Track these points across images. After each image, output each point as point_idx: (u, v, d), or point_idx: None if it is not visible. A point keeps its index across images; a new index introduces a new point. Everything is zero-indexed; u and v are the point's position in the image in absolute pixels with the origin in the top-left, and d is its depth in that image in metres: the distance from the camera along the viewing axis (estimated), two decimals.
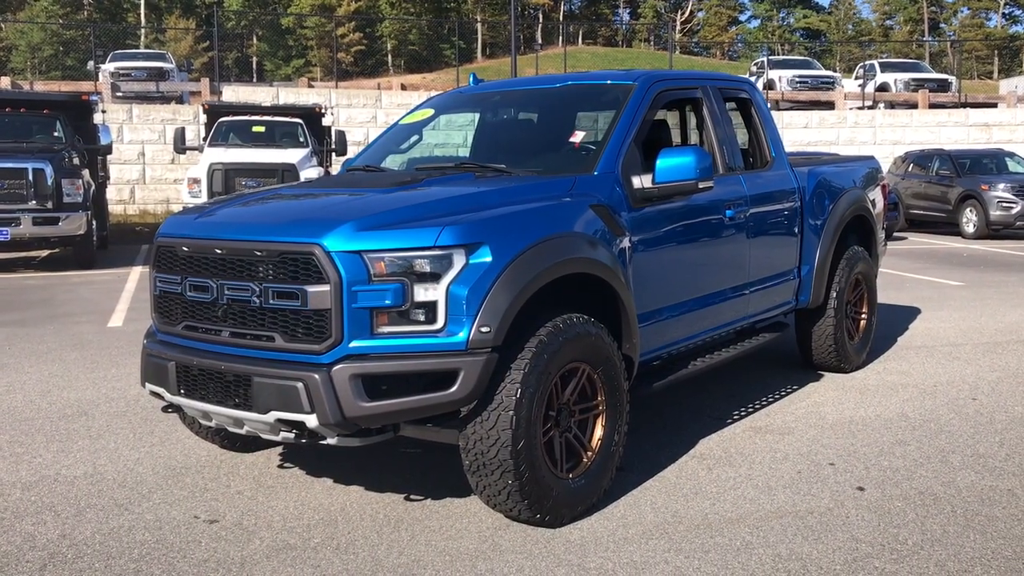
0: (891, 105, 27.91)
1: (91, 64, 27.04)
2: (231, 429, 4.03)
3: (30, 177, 12.99)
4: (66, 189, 13.16)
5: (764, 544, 3.73)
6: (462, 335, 3.58)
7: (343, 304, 3.54)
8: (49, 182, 13.00)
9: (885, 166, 21.09)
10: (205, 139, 16.92)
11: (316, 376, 3.55)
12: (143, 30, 61.14)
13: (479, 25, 75.35)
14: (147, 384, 4.21)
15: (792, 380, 6.39)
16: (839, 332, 6.35)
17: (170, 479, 4.58)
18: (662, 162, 4.49)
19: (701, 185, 4.52)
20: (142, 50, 29.25)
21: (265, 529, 3.95)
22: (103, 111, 16.13)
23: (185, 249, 4.00)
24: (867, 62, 31.18)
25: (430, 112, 5.59)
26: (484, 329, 3.59)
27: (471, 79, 5.90)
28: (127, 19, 68.73)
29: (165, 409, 4.26)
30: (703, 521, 3.97)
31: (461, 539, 3.81)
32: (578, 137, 4.83)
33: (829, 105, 27.42)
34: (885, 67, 29.78)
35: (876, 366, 6.81)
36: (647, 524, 3.95)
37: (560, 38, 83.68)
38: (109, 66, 25.14)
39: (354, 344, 3.57)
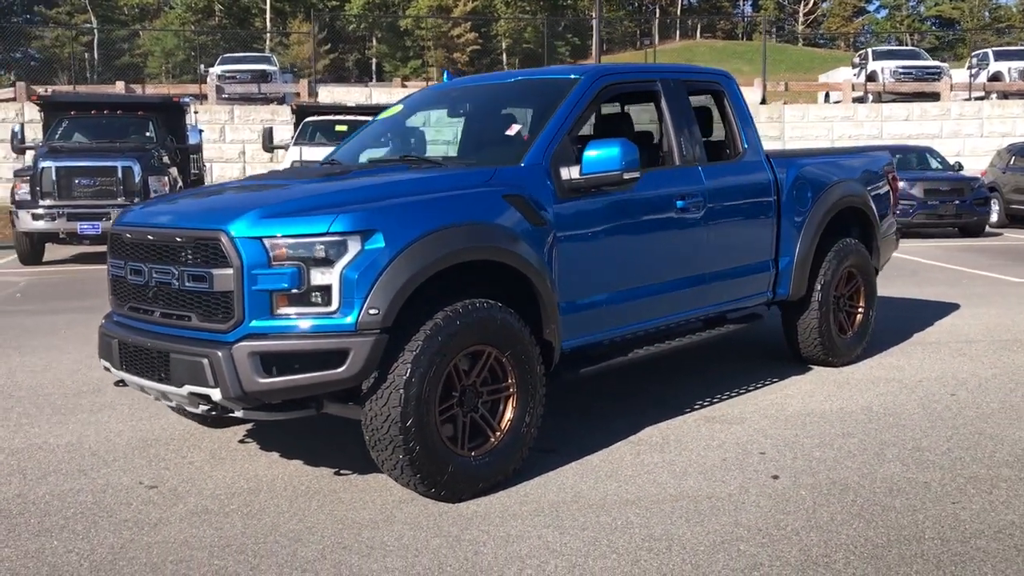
0: (1004, 96, 26.62)
1: (203, 67, 28.50)
2: (165, 403, 4.38)
3: (119, 175, 13.93)
4: (153, 186, 14.03)
5: (643, 525, 3.83)
6: (352, 317, 3.82)
7: (244, 286, 3.83)
8: (137, 179, 13.90)
9: (988, 160, 20.21)
10: (293, 138, 17.67)
11: (219, 353, 3.84)
12: (268, 34, 63.85)
13: (595, 21, 75.35)
14: (101, 359, 4.61)
15: (777, 373, 6.37)
16: (824, 325, 6.29)
17: (137, 450, 4.98)
18: (588, 154, 4.61)
19: (626, 176, 4.62)
20: (249, 54, 30.54)
21: (194, 495, 4.28)
22: (195, 112, 17.04)
23: (128, 236, 4.38)
24: (980, 51, 29.79)
25: (399, 108, 5.84)
26: (372, 311, 3.82)
27: (444, 76, 6.11)
28: (255, 24, 71.64)
29: (117, 383, 4.64)
30: (599, 502, 4.09)
31: (362, 510, 4.05)
32: (514, 130, 4.99)
33: (935, 97, 26.37)
34: (1000, 56, 28.39)
35: (872, 360, 6.70)
36: (543, 502, 4.10)
37: (677, 32, 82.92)
38: (216, 69, 26.44)
39: (255, 324, 3.85)
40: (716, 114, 6.04)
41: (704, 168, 5.47)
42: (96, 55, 60.27)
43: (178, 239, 4.06)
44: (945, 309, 8.81)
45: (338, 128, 17.85)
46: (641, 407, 5.57)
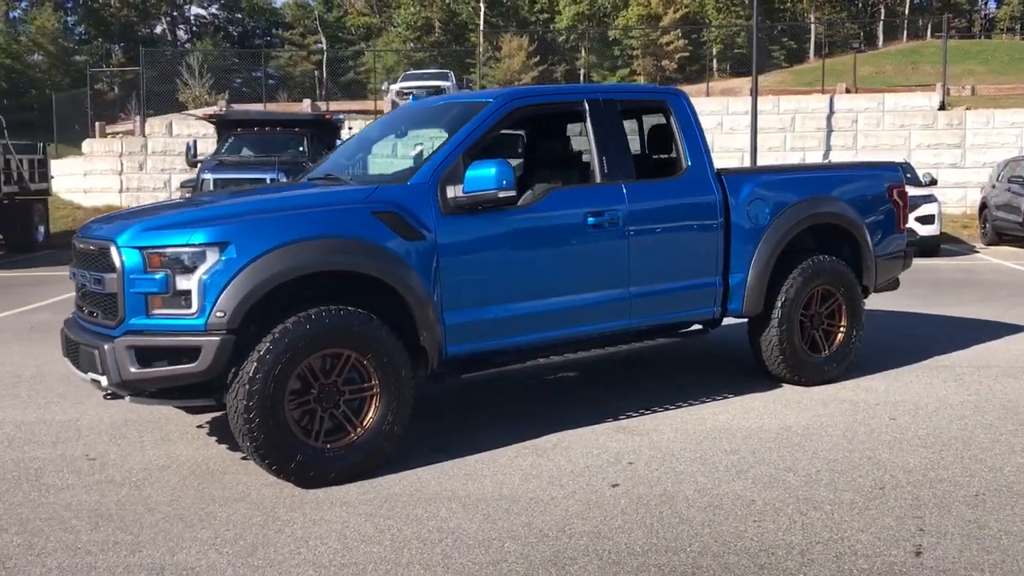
0: None
1: (385, 84, 30.25)
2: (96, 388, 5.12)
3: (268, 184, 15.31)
4: None
5: (445, 519, 4.14)
6: (204, 319, 4.38)
7: (124, 288, 4.49)
8: None
9: None
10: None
11: (105, 346, 4.52)
12: (480, 48, 66.36)
13: (813, 24, 72.62)
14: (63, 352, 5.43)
15: (740, 388, 6.35)
16: (787, 343, 6.21)
17: (111, 429, 5.77)
18: (469, 173, 4.95)
19: (501, 195, 4.92)
20: (429, 71, 32.04)
21: (116, 468, 4.99)
22: (350, 128, 18.31)
23: (78, 245, 5.16)
24: None
25: (373, 125, 6.36)
26: (219, 314, 4.37)
27: (411, 99, 6.57)
28: (470, 40, 74.63)
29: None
30: (430, 497, 4.44)
31: (228, 488, 4.61)
32: (415, 151, 5.38)
33: None
34: None
35: (850, 381, 6.51)
36: (382, 494, 4.49)
37: (904, 33, 78.37)
38: (395, 86, 28.04)
39: (133, 321, 4.50)
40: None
41: (628, 186, 5.62)
42: (324, 73, 65.00)
43: (91, 247, 4.79)
44: (997, 331, 8.27)
45: None
46: (563, 413, 5.79)
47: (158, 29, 68.75)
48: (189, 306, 4.43)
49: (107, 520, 4.23)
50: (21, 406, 6.36)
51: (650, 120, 6.19)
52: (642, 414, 5.79)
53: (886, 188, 6.85)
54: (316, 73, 64.63)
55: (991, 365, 7.00)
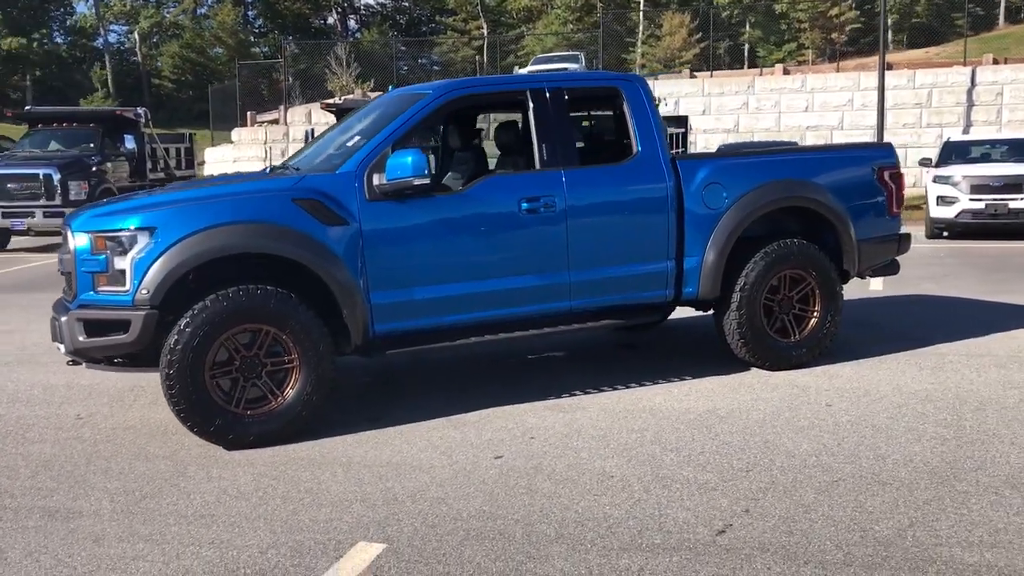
0: None
1: (516, 68, 30.65)
2: None
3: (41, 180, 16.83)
4: (72, 189, 16.80)
5: (319, 482, 4.53)
6: (132, 295, 4.94)
7: (76, 268, 5.11)
8: (56, 183, 16.79)
9: None
10: None
11: (63, 318, 5.17)
12: (640, 27, 65.82)
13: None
14: None
15: (703, 372, 6.39)
16: (747, 328, 6.20)
17: (117, 393, 6.47)
18: (388, 162, 5.29)
19: (416, 182, 5.24)
20: (560, 53, 32.14)
21: (92, 427, 5.65)
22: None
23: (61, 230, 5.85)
24: None
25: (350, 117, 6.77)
26: (143, 292, 4.92)
27: (388, 89, 6.91)
28: (631, 19, 74.06)
29: None
30: (321, 460, 4.85)
31: (166, 446, 5.18)
32: (352, 141, 5.74)
33: None
34: None
35: (821, 368, 6.41)
36: (285, 456, 4.93)
37: None
38: (523, 70, 28.42)
39: (83, 296, 5.12)
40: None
41: (569, 172, 5.79)
42: (485, 58, 66.22)
43: (62, 232, 5.45)
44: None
45: None
46: (508, 391, 6.05)
47: (329, 20, 72.01)
48: (124, 284, 5.00)
49: (47, 469, 4.87)
50: (54, 371, 7.19)
51: (612, 107, 6.28)
52: (586, 393, 5.97)
53: (874, 170, 6.66)
54: (477, 58, 66.03)
55: (988, 354, 6.71)
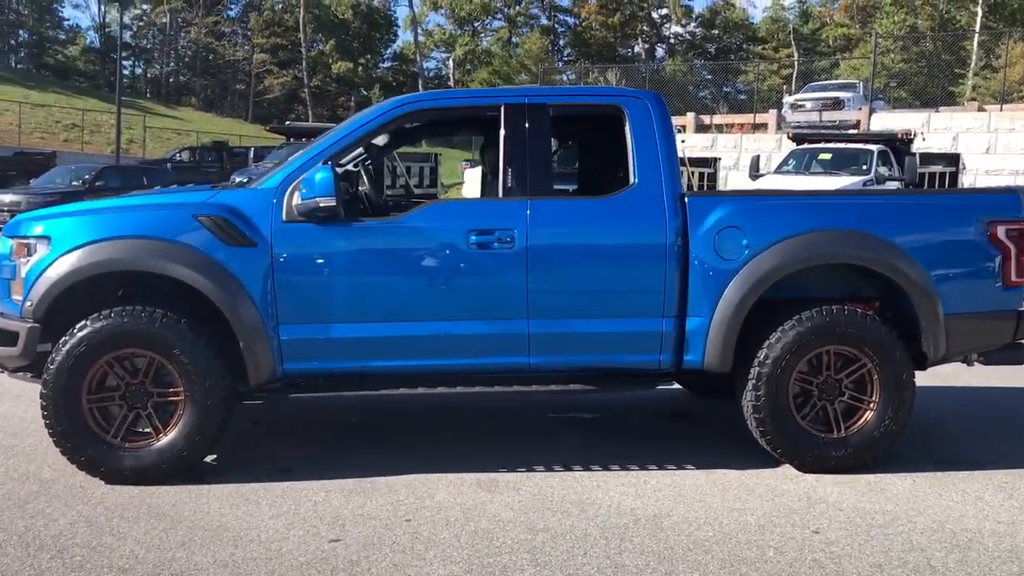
0: None
1: (787, 96, 28.51)
2: None
3: None
4: None
5: (138, 532, 4.03)
6: (21, 307, 4.68)
7: None
8: None
9: None
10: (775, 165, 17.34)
11: None
12: (973, 56, 59.53)
13: None
14: None
15: (721, 462, 5.10)
16: (766, 414, 4.85)
17: None
18: (303, 180, 4.65)
19: (322, 203, 4.56)
20: (836, 81, 29.41)
21: None
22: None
23: None
24: None
25: None
26: (28, 304, 4.64)
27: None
28: (964, 48, 67.25)
29: None
30: (164, 511, 4.31)
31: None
32: (292, 157, 5.12)
33: None
34: None
35: (872, 476, 4.86)
36: (142, 500, 4.44)
37: None
38: (791, 97, 26.34)
39: (1, 304, 4.95)
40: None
41: (536, 203, 4.83)
42: (793, 86, 62.95)
43: None
44: None
45: (822, 156, 17.00)
46: (447, 452, 5.17)
47: (636, 48, 72.14)
48: (21, 294, 4.76)
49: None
50: None
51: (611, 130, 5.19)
52: (532, 471, 4.93)
53: (982, 225, 5.02)
54: (783, 86, 63.01)
55: None
